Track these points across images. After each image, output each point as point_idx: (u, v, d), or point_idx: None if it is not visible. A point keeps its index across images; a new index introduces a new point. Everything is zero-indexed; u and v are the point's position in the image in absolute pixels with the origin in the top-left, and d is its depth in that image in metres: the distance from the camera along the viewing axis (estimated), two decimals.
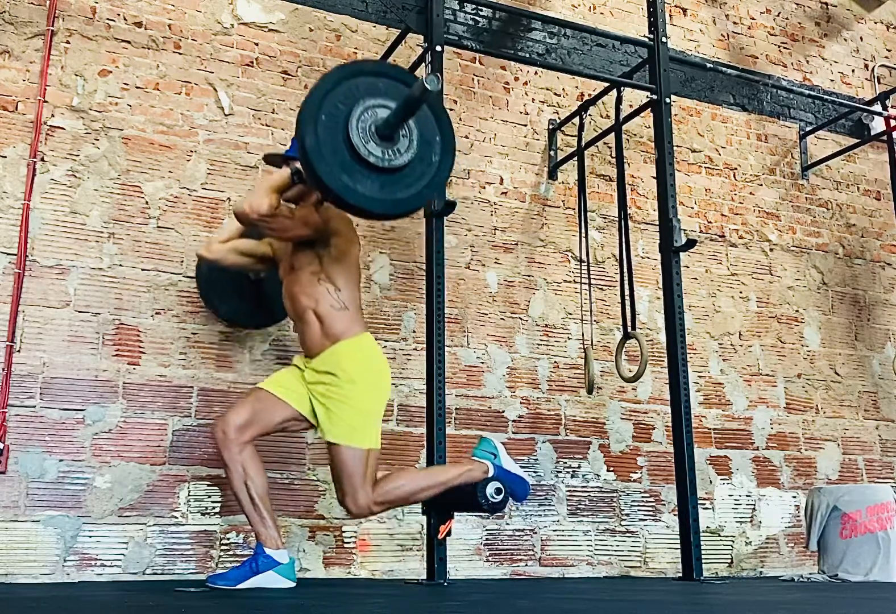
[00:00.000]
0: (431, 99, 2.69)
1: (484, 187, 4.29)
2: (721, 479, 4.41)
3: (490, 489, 2.92)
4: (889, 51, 5.71)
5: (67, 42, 3.63)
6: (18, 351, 3.30)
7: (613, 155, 4.31)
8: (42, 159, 3.49)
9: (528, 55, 4.50)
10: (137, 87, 3.71)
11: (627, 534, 4.14)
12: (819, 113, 5.30)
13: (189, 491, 3.43)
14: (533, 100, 4.53)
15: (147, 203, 3.63)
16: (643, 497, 4.21)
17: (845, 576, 3.76)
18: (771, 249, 4.92)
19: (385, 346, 3.87)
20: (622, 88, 4.03)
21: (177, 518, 3.39)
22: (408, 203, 2.72)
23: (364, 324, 3.01)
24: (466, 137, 4.29)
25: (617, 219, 4.15)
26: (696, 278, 4.63)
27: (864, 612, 2.16)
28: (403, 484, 2.94)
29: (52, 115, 3.54)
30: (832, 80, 5.44)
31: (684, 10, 5.07)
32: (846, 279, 5.08)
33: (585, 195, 4.16)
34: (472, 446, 3.20)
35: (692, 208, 4.75)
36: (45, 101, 3.52)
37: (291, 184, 2.91)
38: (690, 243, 3.65)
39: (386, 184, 2.64)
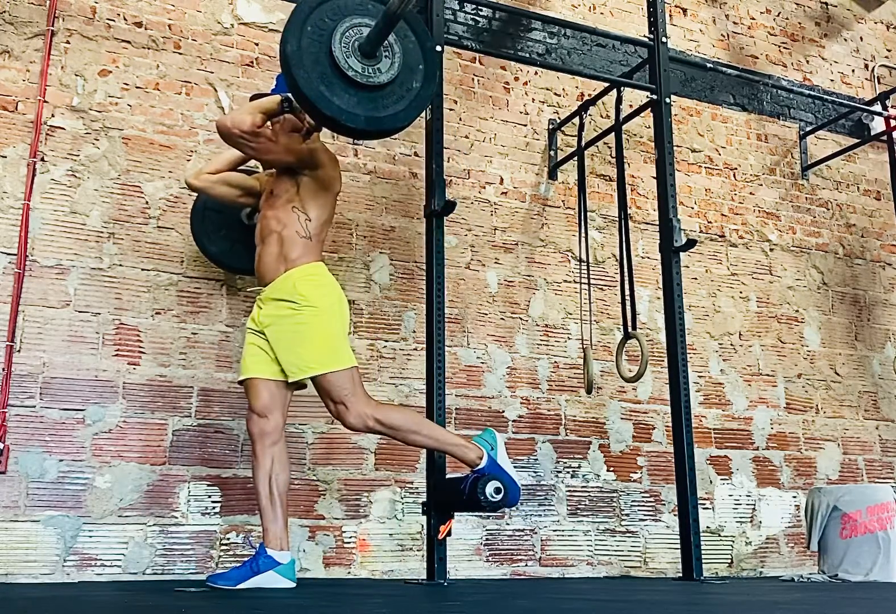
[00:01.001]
0: (417, 25, 2.76)
1: (484, 187, 4.29)
2: (721, 479, 4.41)
3: (490, 488, 2.91)
4: (889, 51, 5.71)
5: (67, 42, 3.63)
6: (18, 351, 3.30)
7: (613, 155, 4.31)
8: (42, 159, 3.49)
9: (528, 55, 4.50)
10: (137, 87, 3.71)
11: (627, 534, 4.14)
12: (819, 113, 5.31)
13: (189, 491, 3.43)
14: (533, 100, 4.53)
15: (147, 203, 3.63)
16: (643, 497, 4.21)
17: (845, 576, 3.75)
18: (771, 249, 4.92)
19: (385, 346, 3.87)
20: (622, 88, 4.03)
21: (177, 518, 3.39)
22: (383, 122, 2.74)
23: (321, 256, 3.02)
24: (466, 137, 4.29)
25: (617, 219, 4.15)
26: (696, 278, 4.63)
27: (864, 612, 2.16)
28: (406, 417, 2.98)
29: (52, 115, 3.54)
30: (832, 80, 5.44)
31: (684, 10, 5.07)
32: (846, 279, 5.08)
33: (585, 195, 4.15)
34: None
35: (692, 208, 4.75)
36: (45, 101, 3.53)
37: (280, 110, 2.89)
38: (690, 243, 3.65)
39: (363, 101, 2.68)
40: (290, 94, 2.84)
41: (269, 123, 2.91)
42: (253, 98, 3.16)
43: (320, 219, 2.98)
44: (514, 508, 3.91)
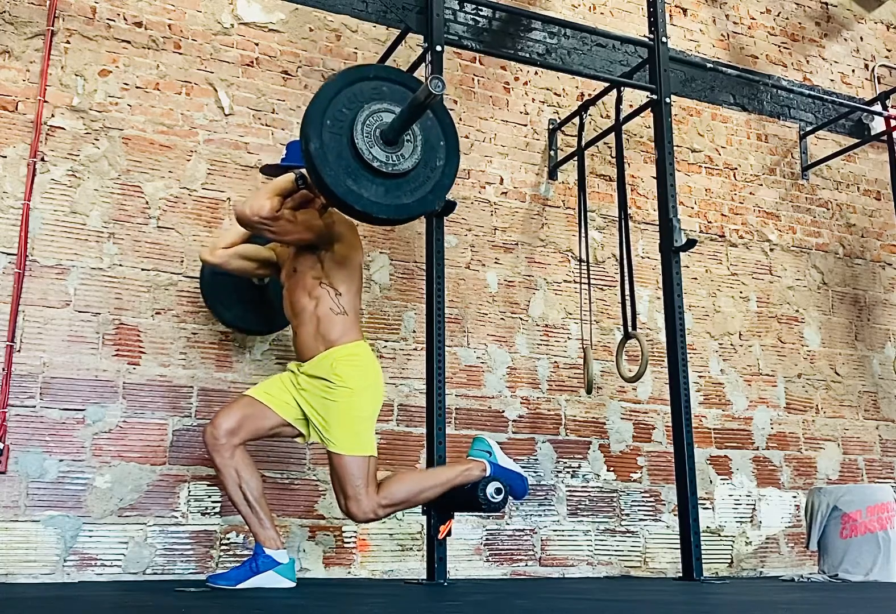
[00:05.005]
0: (435, 103, 2.69)
1: (484, 187, 4.29)
2: (721, 479, 4.41)
3: (490, 489, 2.92)
4: (889, 51, 5.71)
5: (67, 42, 3.63)
6: (18, 351, 3.30)
7: (613, 155, 4.31)
8: (42, 159, 3.49)
9: (528, 55, 4.50)
10: (137, 87, 3.71)
11: (627, 534, 4.14)
12: (819, 113, 5.30)
13: (189, 491, 3.43)
14: (533, 100, 4.53)
15: (147, 203, 3.63)
16: (643, 497, 4.21)
17: (845, 576, 3.76)
18: (771, 249, 4.92)
19: (385, 346, 3.87)
20: (622, 88, 4.03)
21: (177, 518, 3.39)
22: (412, 208, 2.72)
23: (360, 332, 2.99)
24: (466, 137, 4.29)
25: (617, 219, 4.15)
26: (696, 278, 4.63)
27: (864, 612, 2.16)
28: (406, 485, 2.95)
29: (52, 115, 3.54)
30: (832, 80, 5.44)
31: (684, 10, 5.07)
32: (846, 279, 5.08)
33: (585, 195, 4.15)
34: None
35: (692, 208, 4.75)
36: (45, 101, 3.52)
37: (295, 188, 2.87)
38: (690, 243, 3.65)
39: (391, 189, 2.65)
40: (303, 171, 2.80)
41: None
42: (263, 169, 3.14)
43: (350, 291, 2.94)
44: (514, 508, 3.91)
